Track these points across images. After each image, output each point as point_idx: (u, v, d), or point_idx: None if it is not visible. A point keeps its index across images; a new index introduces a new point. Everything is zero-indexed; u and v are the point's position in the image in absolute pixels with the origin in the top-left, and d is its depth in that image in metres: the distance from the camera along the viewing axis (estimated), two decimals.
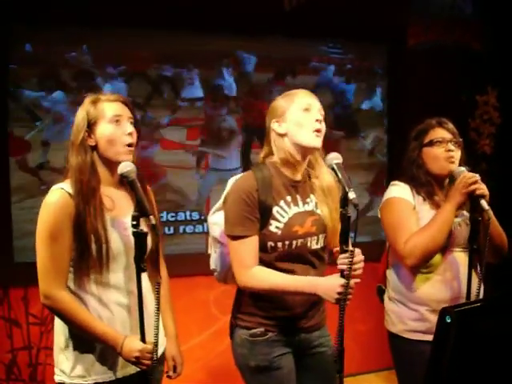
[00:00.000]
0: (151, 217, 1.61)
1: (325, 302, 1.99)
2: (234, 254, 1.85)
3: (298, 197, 1.91)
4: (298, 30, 3.45)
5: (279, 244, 1.85)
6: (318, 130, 1.83)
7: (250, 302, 1.93)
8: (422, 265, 2.04)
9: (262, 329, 1.89)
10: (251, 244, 1.83)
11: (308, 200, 1.93)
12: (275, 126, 1.89)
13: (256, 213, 1.83)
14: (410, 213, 2.09)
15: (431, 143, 2.12)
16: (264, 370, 1.89)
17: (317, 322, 1.97)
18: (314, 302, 1.93)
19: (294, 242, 1.87)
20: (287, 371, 1.91)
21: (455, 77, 3.78)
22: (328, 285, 1.73)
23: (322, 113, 1.88)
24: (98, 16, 3.04)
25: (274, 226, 1.85)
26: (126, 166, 1.66)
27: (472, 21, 3.96)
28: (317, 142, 1.84)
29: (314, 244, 1.91)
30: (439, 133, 2.13)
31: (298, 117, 1.84)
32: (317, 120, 1.83)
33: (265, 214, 1.84)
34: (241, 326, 1.95)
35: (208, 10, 3.22)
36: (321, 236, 1.92)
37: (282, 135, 1.88)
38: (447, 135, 2.13)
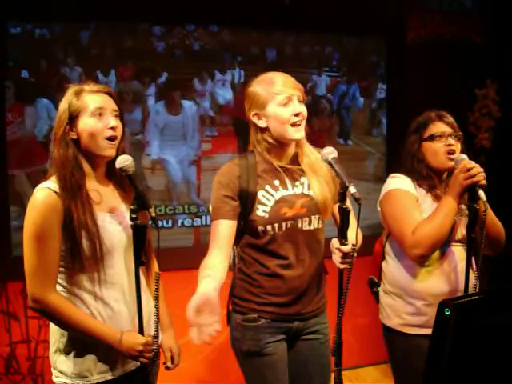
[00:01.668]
0: (151, 209, 1.59)
1: (324, 288, 2.02)
2: (210, 235, 1.88)
3: (287, 180, 1.92)
4: (296, 23, 3.44)
5: (269, 227, 1.87)
6: (297, 124, 1.84)
7: (244, 286, 1.95)
8: (429, 255, 2.03)
9: (255, 315, 1.91)
10: (221, 228, 1.84)
11: (297, 183, 1.93)
12: (255, 120, 1.90)
13: (234, 199, 1.85)
14: (413, 204, 2.09)
15: (431, 138, 2.12)
16: (255, 355, 1.91)
17: (313, 308, 1.97)
18: (308, 287, 1.93)
19: (284, 224, 1.88)
20: (279, 358, 1.93)
21: (454, 70, 3.78)
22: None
23: (302, 97, 1.88)
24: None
25: (260, 211, 1.86)
26: (125, 160, 1.63)
27: (471, 14, 3.95)
28: (298, 134, 1.86)
29: (306, 225, 1.91)
30: (439, 127, 2.13)
31: (278, 113, 1.85)
32: (296, 114, 1.84)
33: (248, 200, 1.86)
34: (236, 310, 1.98)
35: (206, 5, 3.22)
36: (313, 217, 1.92)
37: (263, 129, 1.89)
38: (447, 129, 2.12)
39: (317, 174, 1.92)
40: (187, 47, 3.36)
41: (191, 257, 3.22)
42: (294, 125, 1.84)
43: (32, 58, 3.05)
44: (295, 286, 1.91)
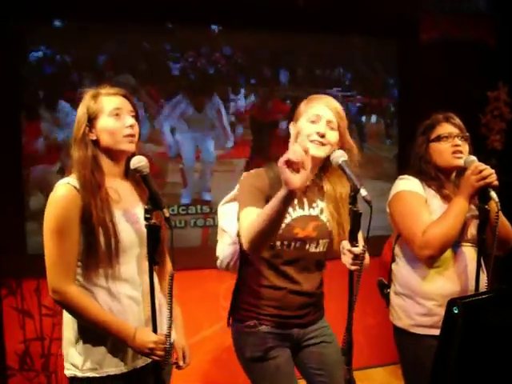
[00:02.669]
0: (165, 210, 1.62)
1: (323, 301, 2.07)
2: (243, 220, 1.82)
3: (305, 200, 1.95)
4: (307, 24, 3.46)
5: (278, 243, 1.90)
6: (317, 142, 1.85)
7: (245, 298, 1.98)
8: (439, 256, 2.04)
9: (255, 321, 1.94)
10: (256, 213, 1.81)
11: (314, 205, 1.96)
12: (291, 128, 1.95)
13: (265, 198, 1.84)
14: (422, 204, 2.10)
15: (438, 138, 2.13)
16: (259, 361, 1.93)
17: (311, 319, 2.01)
18: (307, 302, 1.97)
19: (293, 244, 1.91)
20: (282, 361, 1.94)
21: (466, 72, 3.77)
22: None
23: (334, 124, 1.88)
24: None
25: None
26: (140, 161, 1.67)
27: (484, 15, 3.94)
28: (315, 151, 1.85)
29: (313, 248, 1.95)
30: (446, 128, 2.14)
31: (304, 127, 1.88)
32: (318, 133, 1.85)
33: None
34: (236, 319, 2.01)
35: (219, 5, 3.26)
36: (321, 241, 1.96)
37: (294, 138, 1.93)
38: (454, 130, 2.14)
39: (337, 208, 1.94)
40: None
41: (199, 256, 3.27)
42: (312, 141, 1.85)
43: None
44: (295, 301, 1.94)
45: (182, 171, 3.43)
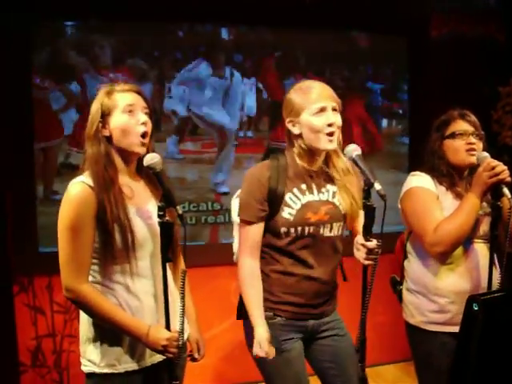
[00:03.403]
0: (178, 207, 1.62)
1: (336, 292, 2.06)
2: (240, 235, 1.97)
3: (314, 185, 1.95)
4: (318, 22, 3.45)
5: (292, 230, 1.90)
6: (331, 134, 1.85)
7: (263, 286, 1.97)
8: (451, 252, 2.04)
9: (270, 313, 1.94)
10: (250, 231, 1.91)
11: (323, 190, 1.96)
12: (290, 127, 1.93)
13: (263, 203, 1.89)
14: (434, 201, 2.10)
15: (453, 135, 2.12)
16: None
17: (324, 309, 2.01)
18: (322, 290, 1.97)
19: (307, 229, 1.91)
20: (295, 354, 1.95)
21: (477, 68, 3.75)
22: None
23: (337, 107, 1.89)
24: None
25: (286, 213, 1.90)
26: (153, 158, 1.68)
27: (494, 11, 3.91)
28: (331, 145, 1.87)
29: (327, 232, 1.94)
30: (461, 125, 2.13)
31: (312, 122, 1.86)
32: (329, 124, 1.85)
33: (276, 201, 1.89)
34: None
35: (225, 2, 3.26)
36: (335, 225, 1.95)
37: (297, 135, 1.92)
38: (469, 128, 2.13)
39: (345, 184, 1.96)
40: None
41: (210, 254, 3.28)
42: (327, 134, 1.85)
43: None
44: (310, 287, 1.94)
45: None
